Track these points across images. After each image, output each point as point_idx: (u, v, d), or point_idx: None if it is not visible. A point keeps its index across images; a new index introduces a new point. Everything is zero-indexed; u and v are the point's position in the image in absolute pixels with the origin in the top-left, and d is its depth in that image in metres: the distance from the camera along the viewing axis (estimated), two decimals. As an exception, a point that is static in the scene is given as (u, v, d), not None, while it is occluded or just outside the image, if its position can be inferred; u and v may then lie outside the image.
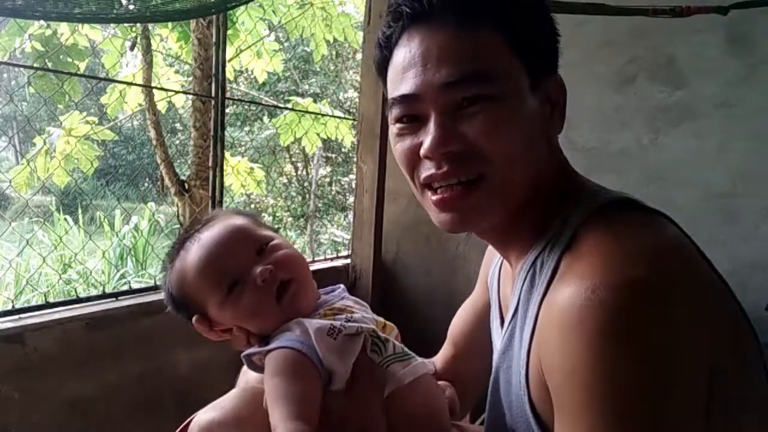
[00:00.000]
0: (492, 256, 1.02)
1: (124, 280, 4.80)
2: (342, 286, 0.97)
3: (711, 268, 0.69)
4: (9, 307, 1.84)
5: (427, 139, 0.71)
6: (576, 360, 0.59)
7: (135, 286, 2.85)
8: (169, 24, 4.10)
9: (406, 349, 0.87)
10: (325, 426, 0.76)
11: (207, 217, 0.96)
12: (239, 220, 0.92)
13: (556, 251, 0.70)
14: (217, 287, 0.85)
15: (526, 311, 0.73)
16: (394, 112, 0.75)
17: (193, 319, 0.88)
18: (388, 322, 0.91)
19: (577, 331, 0.59)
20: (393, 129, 0.77)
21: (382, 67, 0.78)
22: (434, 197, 0.74)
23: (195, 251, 0.87)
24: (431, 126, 0.71)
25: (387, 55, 0.76)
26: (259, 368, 0.84)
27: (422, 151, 0.72)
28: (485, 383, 0.85)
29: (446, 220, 0.75)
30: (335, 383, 0.79)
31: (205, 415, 0.83)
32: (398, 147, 0.77)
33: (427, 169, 0.73)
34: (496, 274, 0.96)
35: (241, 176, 4.48)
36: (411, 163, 0.75)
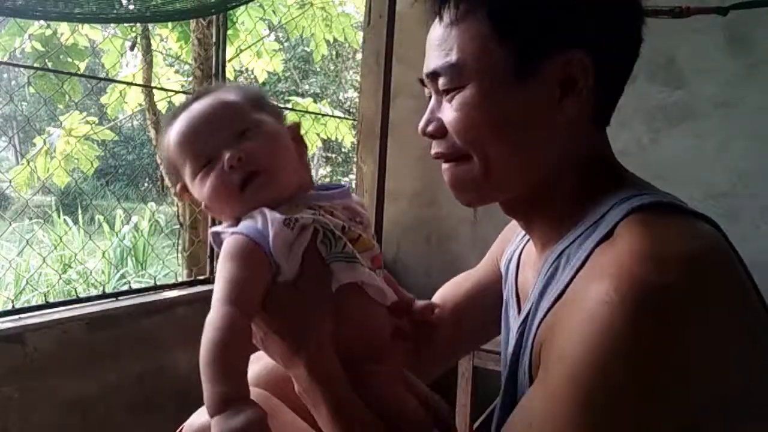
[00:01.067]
0: (510, 236, 1.01)
1: (124, 280, 4.80)
2: (345, 186, 0.91)
3: (751, 282, 0.66)
4: (9, 307, 1.84)
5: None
6: (577, 348, 0.59)
7: (135, 286, 2.84)
8: (169, 24, 4.09)
9: (359, 255, 0.80)
10: (271, 317, 0.76)
11: (210, 87, 0.94)
12: (233, 96, 0.88)
13: (585, 249, 0.68)
14: (191, 162, 0.84)
15: (540, 302, 0.73)
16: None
17: (177, 187, 0.89)
18: (366, 237, 0.84)
19: (589, 324, 0.59)
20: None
21: None
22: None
23: (180, 121, 0.86)
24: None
25: None
26: None
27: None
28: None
29: (453, 193, 0.82)
30: (283, 274, 0.77)
31: (197, 418, 0.82)
32: None
33: (432, 147, 0.82)
34: (515, 260, 0.94)
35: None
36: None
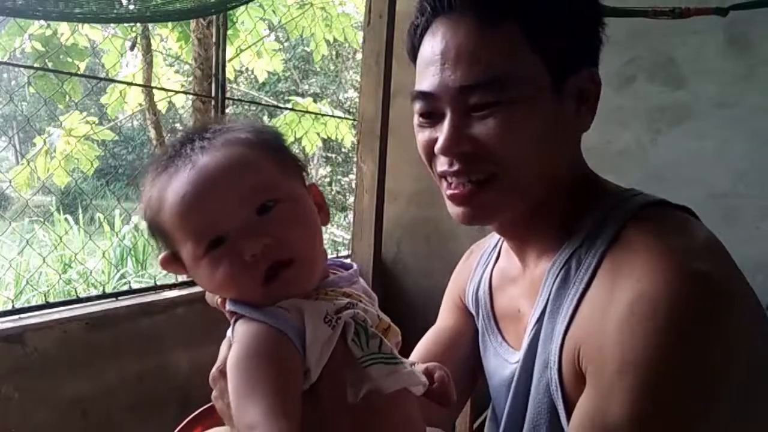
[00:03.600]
0: (467, 273, 1.01)
1: (124, 280, 4.79)
2: (355, 266, 0.78)
3: None
4: (9, 307, 1.84)
5: (441, 137, 0.74)
6: (643, 349, 0.60)
7: (135, 286, 2.84)
8: (169, 24, 4.09)
9: (396, 353, 0.71)
10: None
11: (219, 127, 0.72)
12: (254, 153, 0.68)
13: (597, 249, 0.71)
14: (197, 238, 0.66)
15: (557, 309, 0.73)
16: (416, 106, 0.78)
17: (160, 256, 0.72)
18: (392, 324, 0.75)
19: (646, 322, 0.61)
20: (415, 119, 0.80)
21: (412, 54, 0.81)
22: (448, 191, 0.78)
23: (182, 181, 0.66)
24: (445, 125, 0.74)
25: (416, 44, 0.79)
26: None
27: (436, 149, 0.75)
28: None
29: (458, 214, 0.78)
30: (308, 380, 0.64)
31: None
32: (419, 138, 0.80)
33: (442, 165, 0.77)
34: (486, 287, 0.94)
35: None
36: (429, 155, 0.79)
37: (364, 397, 0.65)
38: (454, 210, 0.78)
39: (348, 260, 0.82)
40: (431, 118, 0.77)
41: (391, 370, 0.67)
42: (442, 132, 0.73)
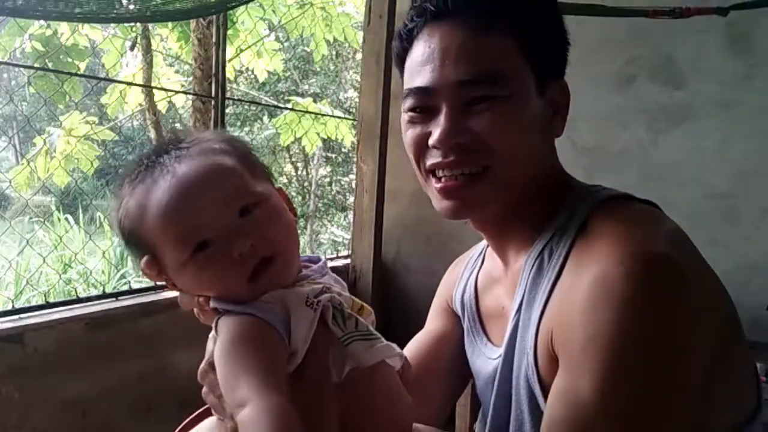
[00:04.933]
0: (454, 279, 1.03)
1: (124, 280, 4.80)
2: (323, 259, 0.84)
3: None
4: (9, 307, 1.84)
5: (437, 130, 0.76)
6: (604, 324, 0.63)
7: (135, 286, 2.84)
8: (169, 24, 4.09)
9: (372, 329, 0.76)
10: None
11: (192, 138, 0.76)
12: (230, 162, 0.73)
13: (567, 239, 0.74)
14: (182, 244, 0.70)
15: (533, 298, 0.75)
16: (408, 102, 0.80)
17: (142, 261, 0.74)
18: (365, 305, 0.80)
19: (608, 300, 0.63)
20: (404, 116, 0.82)
21: (401, 58, 0.84)
22: (438, 185, 0.79)
23: (164, 189, 0.70)
24: (442, 118, 0.76)
25: (407, 47, 0.82)
26: None
27: (431, 141, 0.77)
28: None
29: (447, 207, 0.80)
30: (291, 363, 0.69)
31: None
32: (408, 134, 0.82)
33: (434, 157, 0.79)
34: (471, 290, 0.96)
35: (241, 176, 4.46)
36: (419, 150, 0.81)
37: (348, 374, 0.70)
38: (441, 204, 0.80)
39: (316, 254, 0.88)
40: (424, 113, 0.79)
41: (370, 344, 0.72)
42: (439, 125, 0.76)
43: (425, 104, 0.78)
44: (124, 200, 0.74)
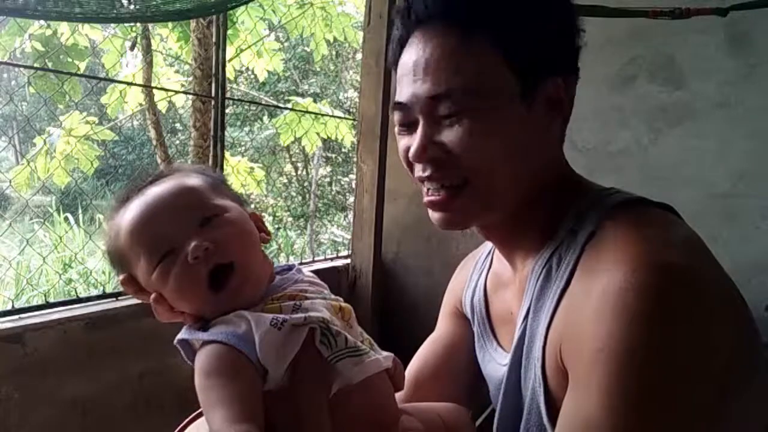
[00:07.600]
0: (463, 281, 1.02)
1: (124, 280, 4.79)
2: (296, 265, 0.87)
3: None
4: (9, 307, 1.84)
5: (413, 144, 0.77)
6: (611, 339, 0.60)
7: (135, 286, 2.83)
8: (169, 24, 4.09)
9: (359, 343, 0.77)
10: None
11: (164, 170, 0.85)
12: (194, 181, 0.80)
13: (576, 246, 0.72)
14: (147, 253, 0.75)
15: (541, 307, 0.74)
16: (395, 115, 0.81)
17: (119, 279, 0.80)
18: (344, 304, 0.82)
19: (616, 312, 0.61)
20: (395, 128, 0.83)
21: (394, 66, 0.83)
22: (426, 198, 0.80)
23: (134, 208, 0.77)
24: (418, 132, 0.76)
25: (397, 56, 0.81)
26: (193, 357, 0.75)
27: (409, 156, 0.78)
28: None
29: (436, 219, 0.80)
30: (270, 381, 0.70)
31: None
32: (399, 145, 0.83)
33: (418, 171, 0.79)
34: (481, 292, 0.95)
35: (241, 176, 4.48)
36: (407, 162, 0.82)
37: (337, 392, 0.72)
38: (433, 215, 0.80)
39: (290, 262, 0.92)
40: (408, 126, 0.79)
41: (357, 361, 0.74)
42: (415, 139, 0.76)
43: (407, 119, 0.79)
44: (108, 225, 0.81)
